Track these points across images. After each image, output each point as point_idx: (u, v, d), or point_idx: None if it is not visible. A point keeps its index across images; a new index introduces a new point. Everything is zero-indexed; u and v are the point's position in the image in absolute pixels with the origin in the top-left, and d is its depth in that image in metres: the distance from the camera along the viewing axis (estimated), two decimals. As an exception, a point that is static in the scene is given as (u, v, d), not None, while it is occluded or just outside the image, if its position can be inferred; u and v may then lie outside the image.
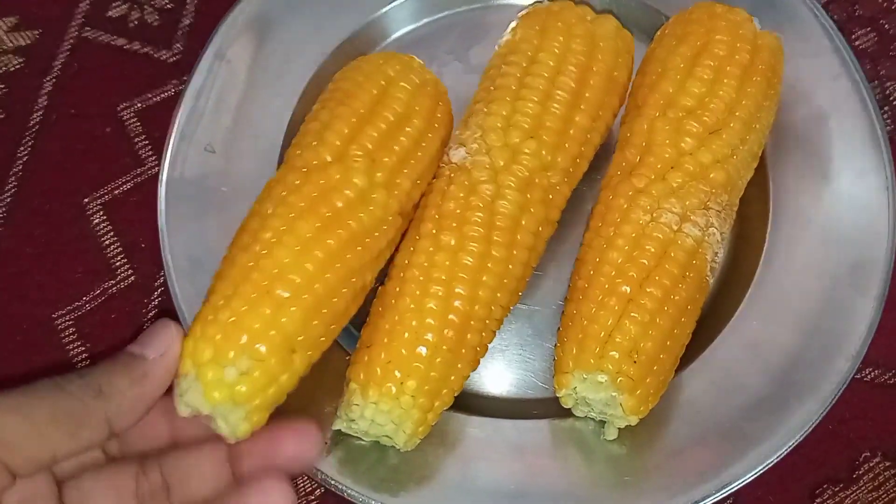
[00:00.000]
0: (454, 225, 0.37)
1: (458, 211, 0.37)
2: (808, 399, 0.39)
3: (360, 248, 0.35)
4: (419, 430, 0.36)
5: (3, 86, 0.48)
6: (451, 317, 0.35)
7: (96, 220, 0.45)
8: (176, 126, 0.43)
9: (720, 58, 0.40)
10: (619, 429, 0.38)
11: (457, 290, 0.36)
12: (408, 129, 0.38)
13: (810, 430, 0.38)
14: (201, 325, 0.32)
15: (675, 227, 0.37)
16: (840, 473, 0.41)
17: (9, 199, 0.46)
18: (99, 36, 0.49)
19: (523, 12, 0.42)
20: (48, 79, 0.48)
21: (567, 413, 0.38)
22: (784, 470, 0.38)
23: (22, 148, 0.47)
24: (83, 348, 0.43)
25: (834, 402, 0.39)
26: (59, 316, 0.44)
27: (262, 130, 0.44)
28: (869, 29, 0.49)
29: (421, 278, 0.36)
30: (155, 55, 0.49)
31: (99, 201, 0.46)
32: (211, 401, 0.31)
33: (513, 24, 0.42)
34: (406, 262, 0.37)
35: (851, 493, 0.40)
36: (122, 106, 0.47)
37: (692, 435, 0.39)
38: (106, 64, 0.49)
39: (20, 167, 0.46)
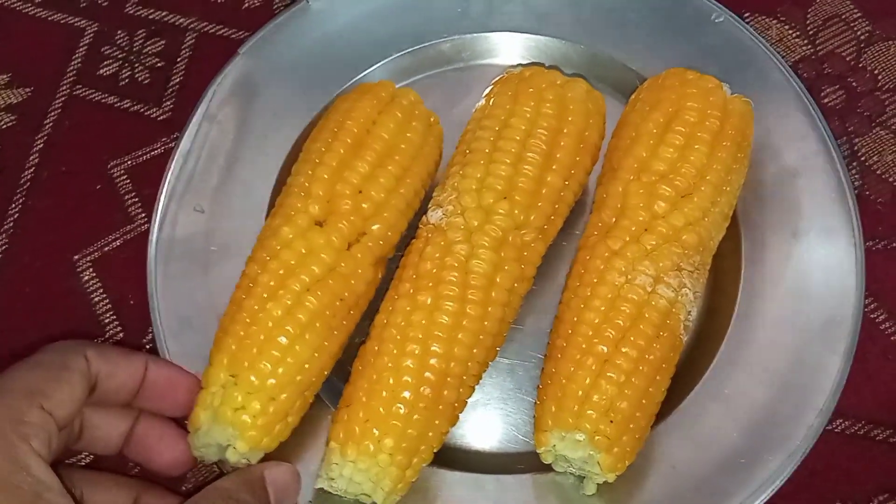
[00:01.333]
0: (430, 284, 0.38)
1: (434, 271, 0.38)
2: (780, 453, 0.39)
3: (338, 302, 0.37)
4: (398, 488, 0.36)
5: None
6: (427, 374, 0.36)
7: (86, 277, 0.46)
8: (165, 186, 0.44)
9: (691, 124, 0.41)
10: (597, 484, 0.39)
11: (433, 348, 0.37)
12: (390, 167, 0.40)
13: (782, 483, 0.39)
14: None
15: (650, 289, 0.39)
16: None
17: (0, 257, 0.47)
18: (90, 94, 0.50)
19: (497, 78, 0.44)
20: (39, 136, 0.49)
21: (548, 467, 0.39)
22: None
23: (13, 205, 0.48)
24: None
25: (805, 455, 0.39)
26: None
27: (250, 189, 0.45)
28: (837, 87, 0.51)
29: (398, 337, 0.37)
30: (145, 113, 0.50)
31: (89, 258, 0.47)
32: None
33: (487, 90, 0.44)
34: (385, 321, 0.38)
35: None
36: (112, 163, 0.48)
37: (668, 490, 0.39)
38: (97, 121, 0.50)
39: (11, 224, 0.47)
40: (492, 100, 0.43)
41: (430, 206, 0.41)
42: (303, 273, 0.37)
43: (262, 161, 0.46)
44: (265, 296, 0.37)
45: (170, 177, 0.45)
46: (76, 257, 0.47)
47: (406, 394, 0.36)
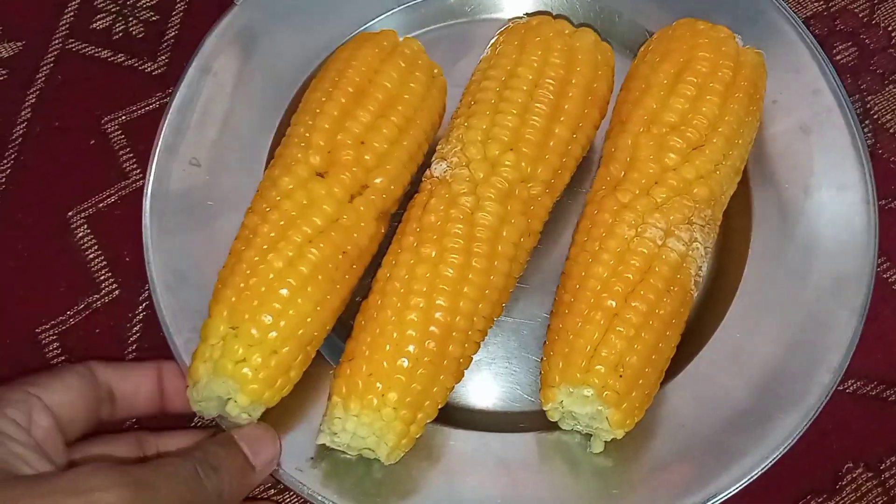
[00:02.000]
0: (434, 237, 0.37)
1: (439, 223, 0.37)
2: (791, 412, 0.39)
3: (340, 255, 0.37)
4: (402, 443, 0.35)
5: None
6: (432, 328, 0.35)
7: (80, 234, 0.45)
8: (161, 140, 0.43)
9: (703, 75, 0.40)
10: (605, 442, 0.38)
11: (438, 301, 0.36)
12: (393, 118, 0.39)
13: (793, 442, 0.38)
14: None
15: (660, 242, 0.38)
16: (823, 485, 0.41)
17: None
18: (83, 48, 0.49)
19: (503, 28, 0.43)
20: (31, 91, 0.48)
21: (553, 426, 0.38)
22: (767, 481, 0.38)
23: (4, 161, 0.46)
24: (68, 363, 0.43)
25: (816, 414, 0.39)
26: (42, 331, 0.43)
27: (247, 143, 0.44)
28: (850, 43, 0.50)
29: (402, 290, 0.36)
30: (139, 67, 0.49)
31: (83, 214, 0.46)
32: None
33: (493, 40, 0.42)
34: (388, 274, 0.37)
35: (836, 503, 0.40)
36: (106, 119, 0.47)
37: (677, 448, 0.39)
38: (90, 76, 0.48)
39: (3, 180, 0.46)
40: (498, 49, 0.41)
41: (433, 158, 0.40)
42: (304, 224, 0.36)
43: (260, 114, 0.45)
44: (265, 247, 0.36)
45: (165, 129, 0.43)
46: (70, 214, 0.45)
47: (410, 348, 0.35)
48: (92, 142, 0.47)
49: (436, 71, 0.42)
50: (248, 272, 0.36)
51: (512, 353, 0.42)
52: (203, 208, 0.42)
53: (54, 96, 0.48)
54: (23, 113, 0.47)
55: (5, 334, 0.43)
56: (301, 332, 0.36)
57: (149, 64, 0.49)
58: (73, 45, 0.49)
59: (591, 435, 0.38)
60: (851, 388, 0.42)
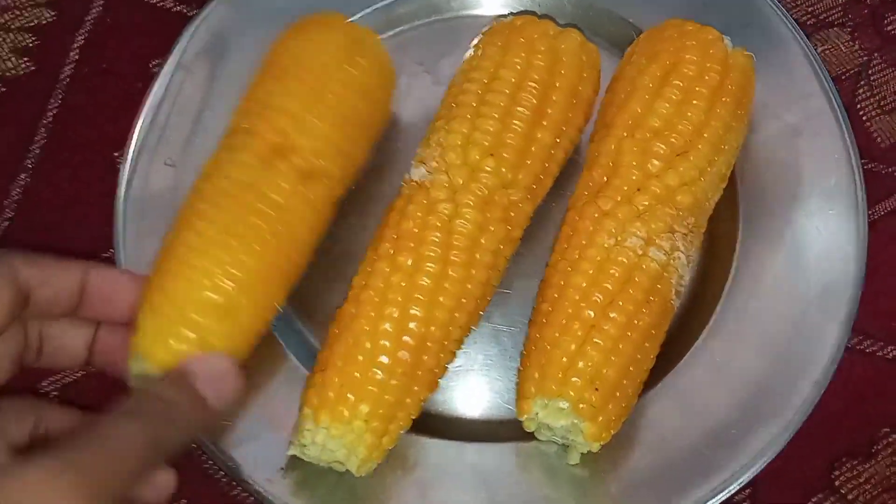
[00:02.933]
0: (411, 245, 0.36)
1: (416, 231, 0.36)
2: (773, 424, 0.38)
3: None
4: (373, 456, 0.35)
5: (34, 38, 0.48)
6: (406, 339, 0.35)
7: (125, 175, 0.45)
8: (134, 140, 0.42)
9: (689, 78, 0.39)
10: (581, 453, 0.37)
11: (412, 311, 0.35)
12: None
13: (773, 456, 0.38)
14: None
15: (640, 252, 0.37)
16: (859, 448, 0.41)
17: (38, 151, 0.46)
18: None
19: (486, 28, 0.42)
20: (80, 33, 0.48)
21: (532, 436, 0.38)
22: (803, 444, 0.38)
23: (52, 100, 0.47)
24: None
25: (798, 427, 0.38)
26: None
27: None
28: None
29: (376, 300, 0.35)
30: (188, 14, 0.49)
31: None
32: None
33: (476, 40, 0.41)
34: (363, 283, 0.36)
35: (870, 467, 0.40)
36: (154, 62, 0.47)
37: (655, 460, 0.38)
38: (138, 20, 0.49)
39: (50, 119, 0.46)
40: (480, 50, 0.40)
41: (413, 162, 0.39)
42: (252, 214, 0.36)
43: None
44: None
45: (139, 129, 0.43)
46: (116, 154, 0.45)
47: (383, 358, 0.35)
48: (139, 85, 0.46)
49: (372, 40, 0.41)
50: (188, 261, 0.35)
51: (491, 360, 0.42)
52: (177, 210, 0.41)
53: (103, 39, 0.48)
54: (71, 54, 0.48)
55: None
56: (240, 325, 0.35)
57: (196, 10, 0.48)
58: (121, -10, 0.49)
59: (568, 446, 0.38)
60: (891, 353, 0.42)
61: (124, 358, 0.35)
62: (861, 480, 0.40)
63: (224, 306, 0.34)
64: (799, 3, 0.49)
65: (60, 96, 0.47)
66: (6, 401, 0.33)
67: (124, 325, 0.36)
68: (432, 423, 0.40)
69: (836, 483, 0.40)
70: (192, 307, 0.34)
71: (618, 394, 0.36)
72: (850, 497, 0.40)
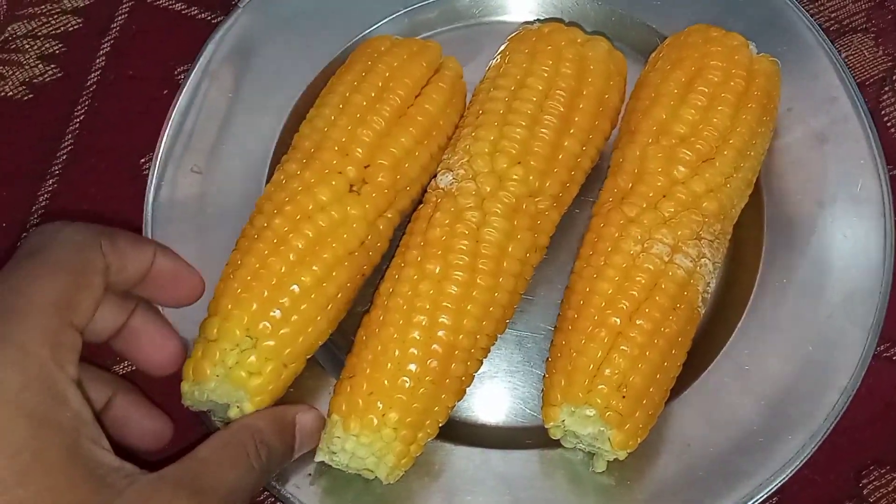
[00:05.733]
0: (439, 253, 0.36)
1: (444, 238, 0.36)
2: (800, 432, 0.38)
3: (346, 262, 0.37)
4: (402, 463, 0.35)
5: (61, 45, 0.48)
6: (434, 347, 0.35)
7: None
8: (162, 146, 0.43)
9: (714, 84, 0.39)
10: (608, 461, 0.37)
11: (441, 319, 0.35)
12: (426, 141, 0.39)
13: (800, 464, 0.37)
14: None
15: (667, 259, 0.37)
16: (887, 456, 0.40)
17: (64, 157, 0.46)
18: (157, 0, 0.50)
19: (513, 34, 0.42)
20: (106, 40, 0.49)
21: (556, 443, 0.38)
22: (831, 452, 0.38)
23: (79, 107, 0.47)
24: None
25: (826, 435, 0.38)
26: None
27: (249, 150, 0.43)
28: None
29: (404, 307, 0.35)
30: (213, 21, 0.49)
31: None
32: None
33: (502, 47, 0.41)
34: (391, 290, 0.36)
35: None
36: (179, 69, 0.48)
37: (682, 468, 0.38)
38: (164, 28, 0.49)
39: (77, 125, 0.47)
40: (507, 57, 0.40)
41: (439, 169, 0.39)
42: (334, 241, 0.36)
43: (262, 121, 0.44)
44: (291, 257, 0.36)
45: (166, 136, 0.43)
46: (142, 161, 0.46)
47: (412, 366, 0.35)
48: (165, 91, 0.47)
49: (462, 90, 0.42)
50: (267, 277, 0.35)
51: (516, 367, 0.42)
52: (204, 216, 0.42)
53: (128, 46, 0.49)
54: (97, 61, 0.48)
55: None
56: (307, 346, 0.36)
57: (221, 17, 0.49)
58: (147, -3, 0.50)
59: (594, 453, 0.38)
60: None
61: (150, 348, 0.35)
62: (890, 489, 0.40)
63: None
64: (822, 9, 0.49)
65: (87, 103, 0.47)
66: (86, 370, 0.33)
67: (159, 317, 0.36)
68: (457, 430, 0.40)
69: (864, 492, 0.40)
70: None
71: (644, 401, 0.36)
72: (877, 505, 0.40)
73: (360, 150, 0.38)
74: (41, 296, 0.29)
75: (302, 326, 0.36)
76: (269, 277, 0.35)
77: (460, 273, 0.36)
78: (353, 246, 0.37)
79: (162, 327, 0.36)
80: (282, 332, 0.35)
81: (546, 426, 0.37)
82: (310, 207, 0.37)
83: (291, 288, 0.35)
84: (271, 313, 0.35)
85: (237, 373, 0.35)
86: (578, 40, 0.40)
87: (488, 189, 0.37)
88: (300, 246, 0.36)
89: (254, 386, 0.35)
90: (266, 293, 0.35)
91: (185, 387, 0.35)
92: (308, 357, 0.37)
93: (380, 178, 0.38)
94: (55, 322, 0.29)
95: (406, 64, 0.40)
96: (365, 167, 0.38)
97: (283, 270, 0.35)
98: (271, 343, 0.35)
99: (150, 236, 0.41)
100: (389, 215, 0.38)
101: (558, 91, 0.38)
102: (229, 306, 0.35)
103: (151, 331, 0.36)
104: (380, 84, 0.39)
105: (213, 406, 0.36)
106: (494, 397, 0.41)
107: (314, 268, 0.36)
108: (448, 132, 0.40)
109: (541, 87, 0.38)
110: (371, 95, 0.39)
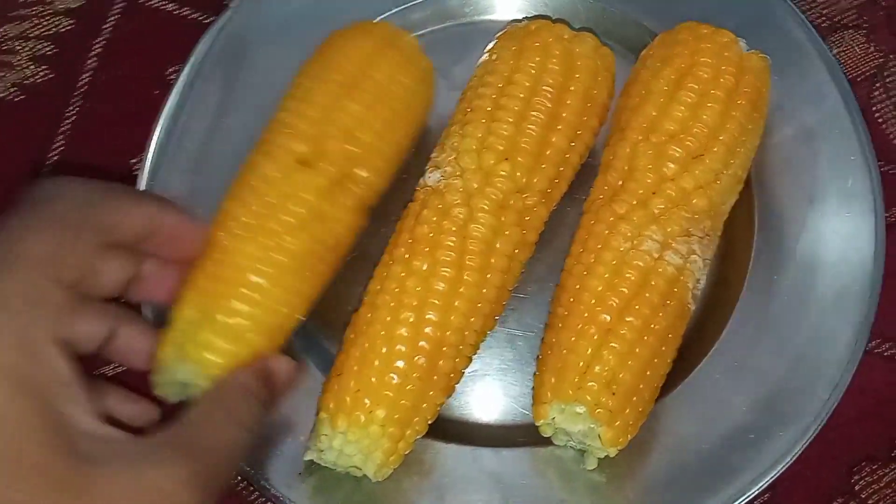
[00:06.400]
0: (426, 250, 0.36)
1: (431, 235, 0.36)
2: (791, 428, 0.38)
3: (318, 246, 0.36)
4: (390, 460, 0.35)
5: (53, 46, 0.49)
6: (422, 343, 0.35)
7: (143, 182, 0.45)
8: (153, 146, 0.43)
9: (704, 81, 0.39)
10: (598, 458, 0.37)
11: (428, 316, 0.35)
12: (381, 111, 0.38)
13: (792, 460, 0.37)
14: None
15: (656, 255, 0.37)
16: (878, 452, 0.40)
17: (56, 158, 0.46)
18: (149, 1, 0.50)
19: (501, 32, 0.42)
20: (98, 41, 0.49)
21: (548, 441, 0.38)
22: (822, 448, 0.38)
23: (71, 108, 0.47)
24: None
25: (816, 431, 0.38)
26: None
27: (240, 150, 0.43)
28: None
29: (392, 304, 0.35)
30: (204, 21, 0.49)
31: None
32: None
33: (490, 45, 0.41)
34: (378, 287, 0.36)
35: (890, 472, 0.40)
36: (170, 70, 0.48)
37: (673, 464, 0.38)
38: (156, 29, 0.49)
39: (68, 126, 0.47)
40: (495, 55, 0.40)
41: (427, 167, 0.39)
42: (284, 214, 0.36)
43: (253, 119, 0.43)
44: (241, 234, 0.35)
45: (157, 135, 0.43)
46: (133, 161, 0.46)
47: (400, 363, 0.35)
48: (157, 92, 0.47)
49: (425, 65, 0.41)
50: (221, 258, 0.35)
51: (507, 365, 0.41)
52: (195, 216, 0.42)
53: (120, 47, 0.49)
54: (89, 62, 0.48)
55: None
56: (272, 321, 0.35)
57: (212, 18, 0.49)
58: (139, -2, 0.50)
59: (584, 451, 0.37)
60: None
61: (162, 294, 0.35)
62: (881, 485, 0.40)
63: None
64: (813, 5, 0.49)
65: (78, 104, 0.47)
66: (88, 304, 0.32)
67: (170, 263, 0.35)
68: (448, 428, 0.40)
69: (856, 487, 0.40)
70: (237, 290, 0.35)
71: (635, 398, 0.36)
72: (870, 502, 0.39)
73: (307, 126, 0.37)
74: (28, 250, 0.28)
75: (255, 298, 0.35)
76: (216, 254, 0.35)
77: (447, 269, 0.36)
78: (304, 214, 0.36)
79: (147, 333, 0.35)
80: (232, 304, 0.34)
81: (536, 423, 0.37)
82: (256, 185, 0.36)
83: (243, 263, 0.35)
84: (223, 289, 0.34)
85: (188, 349, 0.34)
86: (565, 36, 0.40)
87: (475, 185, 0.37)
88: (250, 221, 0.35)
89: (206, 360, 0.34)
90: (214, 269, 0.35)
91: (154, 377, 0.35)
92: (277, 336, 0.36)
93: (330, 148, 0.37)
94: (37, 277, 0.28)
95: (350, 41, 0.40)
96: (314, 142, 0.37)
97: (231, 246, 0.35)
98: (220, 316, 0.34)
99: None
100: (354, 189, 0.37)
101: (545, 87, 0.38)
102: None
103: (160, 277, 0.35)
104: (326, 65, 0.39)
105: (181, 394, 0.35)
106: (486, 396, 0.41)
107: (265, 241, 0.35)
108: (406, 99, 0.39)
109: (528, 84, 0.39)
110: (318, 75, 0.39)
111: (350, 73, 0.38)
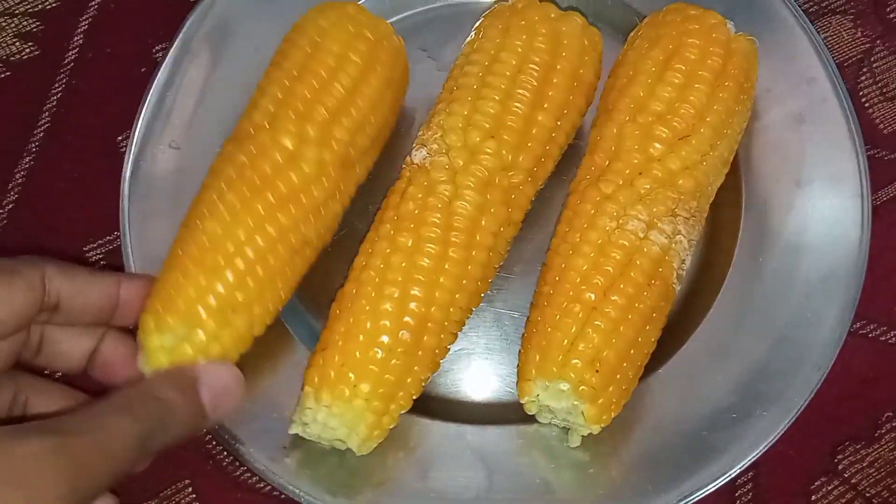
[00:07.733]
0: (411, 226, 0.36)
1: (416, 212, 0.36)
2: (774, 408, 0.38)
3: (292, 207, 0.36)
4: (374, 434, 0.35)
5: (38, 23, 0.48)
6: (406, 319, 0.35)
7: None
8: (140, 123, 0.43)
9: (692, 62, 0.39)
10: (582, 436, 0.37)
11: (413, 291, 0.35)
12: (341, 78, 0.38)
13: (774, 440, 0.38)
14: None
15: (642, 235, 0.37)
16: (862, 432, 0.41)
17: (42, 134, 0.46)
18: None
19: (488, 11, 0.42)
20: (84, 18, 0.49)
21: (533, 419, 0.38)
22: (806, 427, 0.39)
23: (56, 84, 0.47)
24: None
25: (799, 412, 0.38)
26: (89, 249, 0.44)
27: (227, 127, 0.43)
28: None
29: (377, 280, 0.35)
30: None
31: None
32: (153, 363, 0.34)
33: (478, 23, 0.41)
34: (363, 263, 0.36)
35: (873, 451, 0.40)
36: (157, 47, 0.48)
37: (656, 443, 0.38)
38: (142, 6, 0.49)
39: (54, 103, 0.47)
40: (481, 33, 0.40)
41: (413, 145, 0.39)
42: (255, 175, 0.36)
43: (241, 97, 0.43)
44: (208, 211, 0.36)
45: (145, 112, 0.43)
46: (119, 138, 0.46)
47: (384, 338, 0.35)
48: (143, 69, 0.47)
49: (383, 28, 0.40)
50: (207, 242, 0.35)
51: (494, 344, 0.42)
52: (181, 193, 0.42)
53: (106, 24, 0.48)
54: (75, 38, 0.48)
55: (53, 251, 0.42)
56: (262, 295, 0.36)
57: None
58: (125, -26, 0.50)
59: (569, 429, 0.38)
60: (894, 338, 0.42)
61: (122, 373, 0.35)
62: (864, 464, 0.40)
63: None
64: (802, -10, 0.49)
65: (64, 80, 0.47)
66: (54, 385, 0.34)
67: (129, 339, 0.36)
68: (435, 406, 0.40)
69: (840, 467, 0.40)
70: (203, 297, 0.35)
71: (618, 376, 0.36)
72: (853, 481, 0.40)
73: (270, 104, 0.37)
74: None
75: (241, 280, 0.35)
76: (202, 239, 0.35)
77: (432, 246, 0.36)
78: (279, 170, 0.36)
79: (133, 351, 0.35)
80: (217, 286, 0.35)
81: (521, 401, 0.37)
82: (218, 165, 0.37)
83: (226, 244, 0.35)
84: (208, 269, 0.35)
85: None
86: (552, 15, 0.40)
87: (461, 163, 0.37)
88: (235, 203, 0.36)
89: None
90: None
91: (139, 362, 0.35)
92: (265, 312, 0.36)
93: (291, 113, 0.37)
94: None
95: (301, 26, 0.40)
96: (276, 114, 0.37)
97: (218, 231, 0.35)
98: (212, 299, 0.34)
99: (126, 213, 0.41)
100: (332, 144, 0.37)
101: (531, 66, 0.38)
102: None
103: (123, 355, 0.35)
104: (283, 54, 0.39)
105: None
106: (473, 374, 0.41)
107: (248, 221, 0.35)
108: (362, 64, 0.39)
109: (514, 62, 0.38)
110: (277, 63, 0.39)
111: (306, 54, 0.38)
